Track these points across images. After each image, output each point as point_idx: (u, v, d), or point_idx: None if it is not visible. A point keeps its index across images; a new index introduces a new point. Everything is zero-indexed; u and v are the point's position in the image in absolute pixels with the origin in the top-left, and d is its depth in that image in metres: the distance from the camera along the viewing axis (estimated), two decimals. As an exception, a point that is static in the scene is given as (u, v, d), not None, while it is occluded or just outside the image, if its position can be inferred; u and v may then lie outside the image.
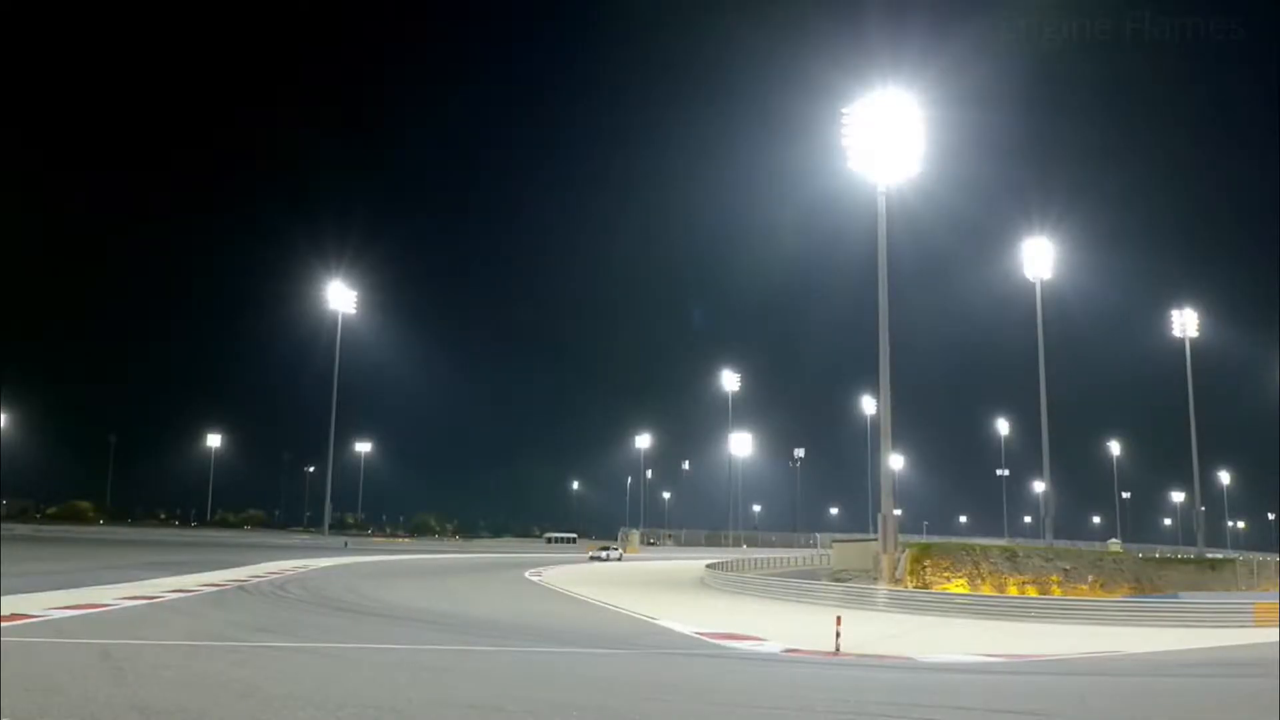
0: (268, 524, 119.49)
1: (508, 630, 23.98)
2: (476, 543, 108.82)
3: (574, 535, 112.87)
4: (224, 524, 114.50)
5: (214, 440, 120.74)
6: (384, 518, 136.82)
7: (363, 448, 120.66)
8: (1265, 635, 31.54)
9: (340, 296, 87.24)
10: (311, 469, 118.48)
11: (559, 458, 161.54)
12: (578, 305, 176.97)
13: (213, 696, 9.47)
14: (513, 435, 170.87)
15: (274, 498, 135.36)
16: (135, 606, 23.33)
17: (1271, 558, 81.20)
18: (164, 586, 29.97)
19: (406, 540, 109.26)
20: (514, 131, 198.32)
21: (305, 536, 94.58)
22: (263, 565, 43.65)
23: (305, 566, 45.56)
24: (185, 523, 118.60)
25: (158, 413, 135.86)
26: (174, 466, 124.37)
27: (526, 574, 52.38)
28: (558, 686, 13.64)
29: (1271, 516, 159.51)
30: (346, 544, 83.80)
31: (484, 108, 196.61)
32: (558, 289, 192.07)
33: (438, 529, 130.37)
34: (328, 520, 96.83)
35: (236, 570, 38.03)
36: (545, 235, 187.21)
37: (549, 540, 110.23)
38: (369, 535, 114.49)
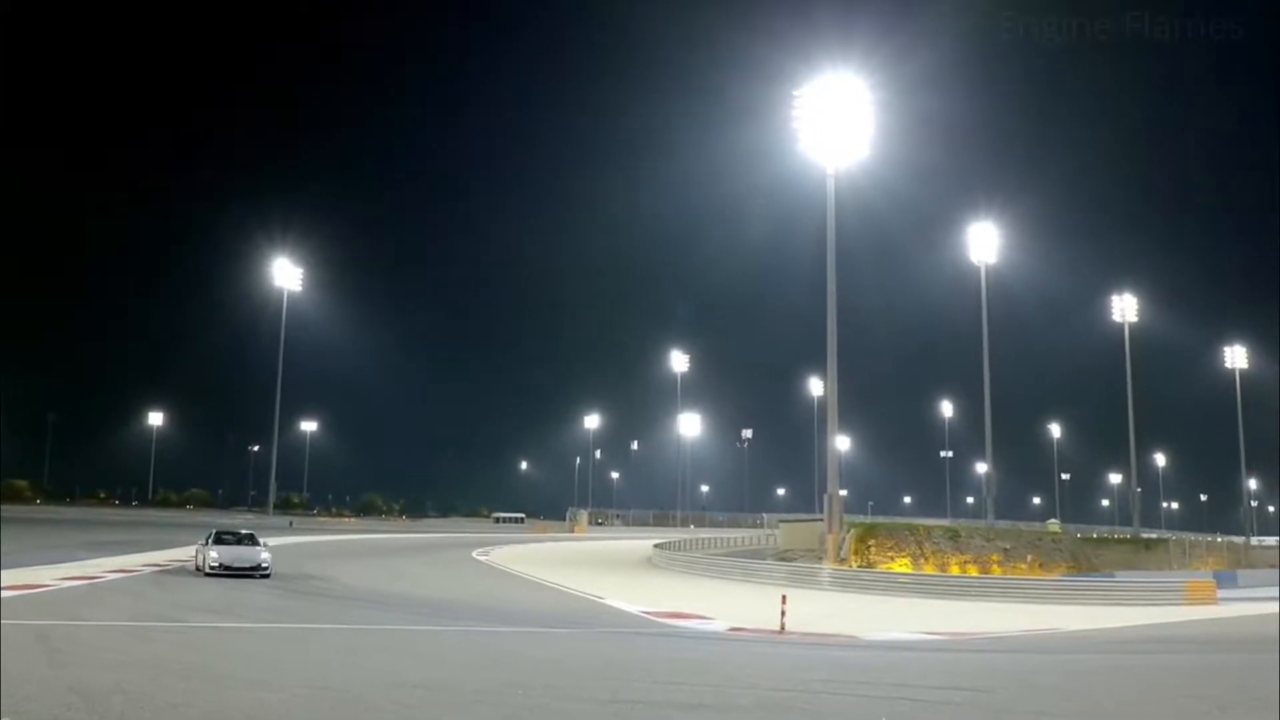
0: (211, 504, 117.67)
1: (455, 610, 23.94)
2: (423, 523, 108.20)
3: (522, 515, 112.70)
4: (166, 504, 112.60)
5: (156, 419, 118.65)
6: (330, 497, 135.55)
7: (309, 427, 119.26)
8: (1197, 612, 32.47)
9: (286, 274, 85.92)
10: (256, 448, 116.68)
11: (507, 438, 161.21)
12: (528, 287, 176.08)
13: (153, 678, 9.34)
14: (460, 415, 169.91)
15: (217, 477, 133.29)
16: (75, 587, 22.94)
17: (1203, 538, 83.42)
18: (105, 567, 29.49)
19: (352, 520, 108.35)
20: (467, 114, 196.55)
21: (249, 516, 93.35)
22: (206, 545, 43.05)
23: (249, 546, 44.98)
24: (126, 502, 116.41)
25: (98, 391, 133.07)
26: (115, 446, 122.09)
27: (474, 554, 52.27)
28: (504, 666, 13.66)
29: (1204, 498, 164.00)
30: (291, 524, 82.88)
31: (438, 89, 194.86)
32: (508, 270, 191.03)
33: (384, 509, 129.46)
34: (272, 500, 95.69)
35: (179, 550, 37.46)
36: (496, 217, 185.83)
37: (497, 520, 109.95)
38: (314, 515, 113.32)
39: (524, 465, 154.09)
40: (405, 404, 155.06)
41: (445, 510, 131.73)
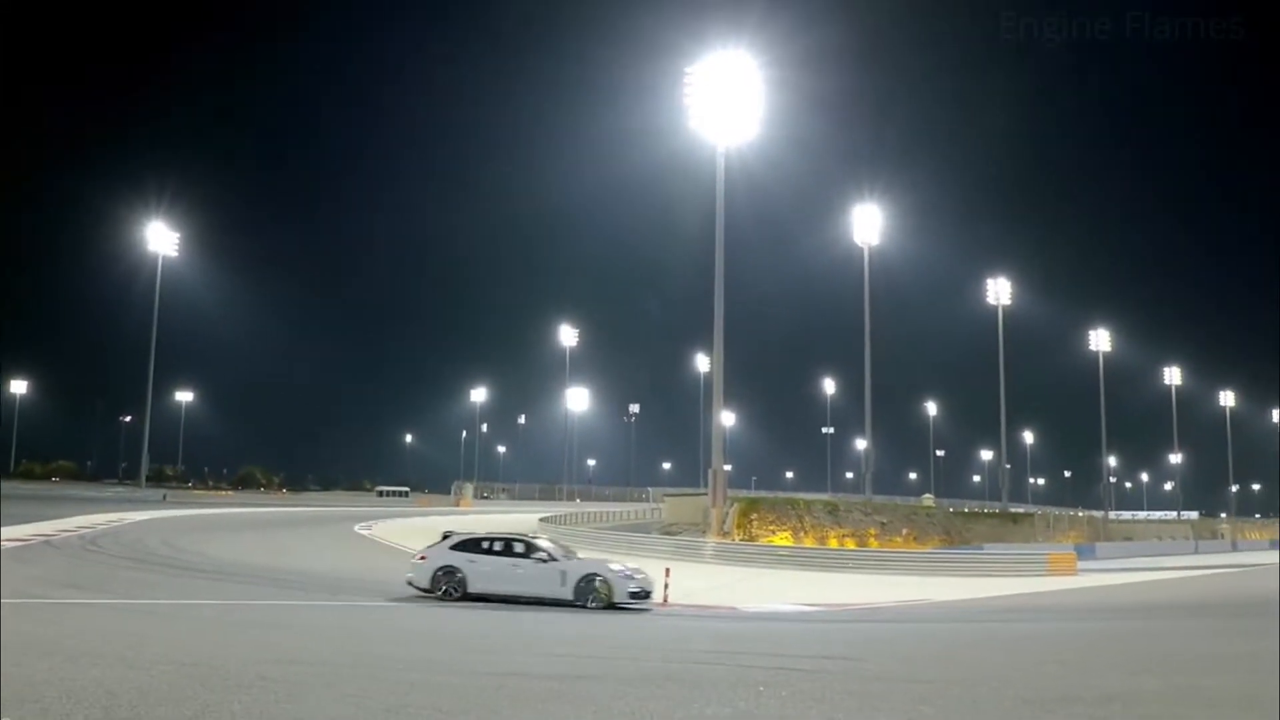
0: (78, 476, 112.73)
1: (334, 584, 23.56)
2: (305, 496, 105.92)
3: (406, 489, 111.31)
4: (29, 475, 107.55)
5: (18, 387, 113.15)
6: (206, 470, 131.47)
7: (184, 397, 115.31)
8: (1058, 583, 34.05)
9: (161, 238, 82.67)
10: (128, 418, 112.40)
11: (392, 411, 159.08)
12: (418, 260, 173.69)
13: (11, 656, 8.95)
14: (345, 387, 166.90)
15: (86, 448, 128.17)
16: (-74, 563, 21.79)
17: (1066, 512, 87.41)
18: (-41, 541, 28.08)
19: (230, 494, 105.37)
20: (354, 83, 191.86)
21: (120, 489, 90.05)
22: (72, 519, 41.38)
23: (120, 520, 43.45)
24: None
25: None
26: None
27: (356, 528, 51.47)
28: (384, 639, 13.52)
29: (1068, 474, 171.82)
30: (165, 497, 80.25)
31: (325, 55, 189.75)
32: (397, 242, 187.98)
33: (264, 482, 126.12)
34: (145, 472, 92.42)
35: (43, 524, 35.92)
36: (387, 187, 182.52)
37: (380, 494, 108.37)
38: (190, 488, 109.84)
39: (409, 438, 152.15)
40: (287, 374, 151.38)
41: (327, 484, 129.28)
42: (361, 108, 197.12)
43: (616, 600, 19.66)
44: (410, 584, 20.51)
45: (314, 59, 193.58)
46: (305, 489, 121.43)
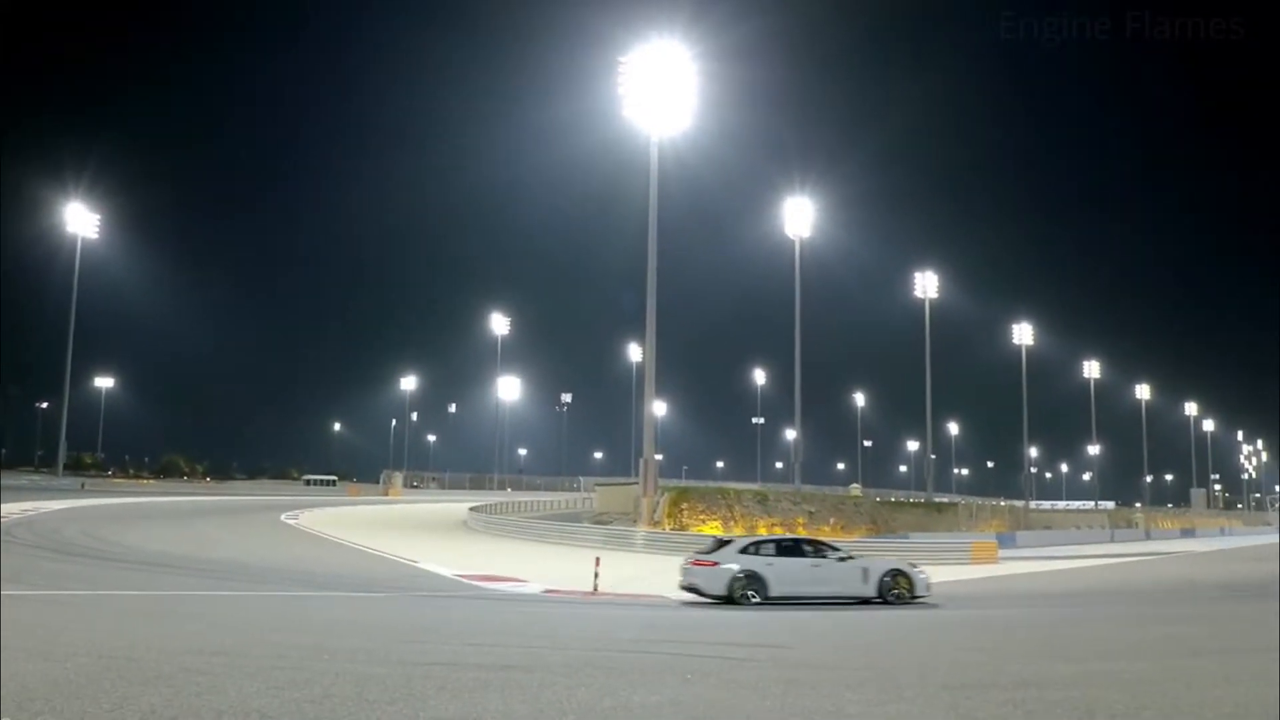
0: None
1: (260, 574, 23.21)
2: (230, 485, 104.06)
3: (334, 478, 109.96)
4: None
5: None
6: (127, 458, 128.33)
7: (104, 383, 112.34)
8: (980, 570, 34.82)
9: (80, 220, 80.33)
10: (45, 404, 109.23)
11: (320, 398, 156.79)
12: (349, 246, 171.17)
13: (-80, 649, 8.68)
14: (271, 374, 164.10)
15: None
16: None
17: (989, 501, 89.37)
18: None
19: (152, 482, 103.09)
20: (286, 68, 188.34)
21: (36, 477, 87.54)
22: (-16, 508, 40.16)
23: (35, 509, 42.30)
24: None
25: None
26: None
27: (283, 517, 50.75)
28: (311, 630, 13.35)
29: (991, 464, 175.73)
30: (84, 485, 78.30)
31: (255, 42, 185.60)
32: (329, 228, 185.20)
33: (187, 470, 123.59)
34: (62, 459, 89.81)
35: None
36: (320, 173, 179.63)
37: (308, 483, 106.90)
38: (109, 476, 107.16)
39: (338, 427, 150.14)
40: (212, 360, 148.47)
41: (253, 472, 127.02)
42: (294, 90, 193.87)
43: (917, 594, 20.32)
44: (693, 589, 20.11)
45: (244, 43, 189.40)
46: (230, 478, 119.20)
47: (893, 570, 20.64)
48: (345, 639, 12.21)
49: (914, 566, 21.24)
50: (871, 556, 22.47)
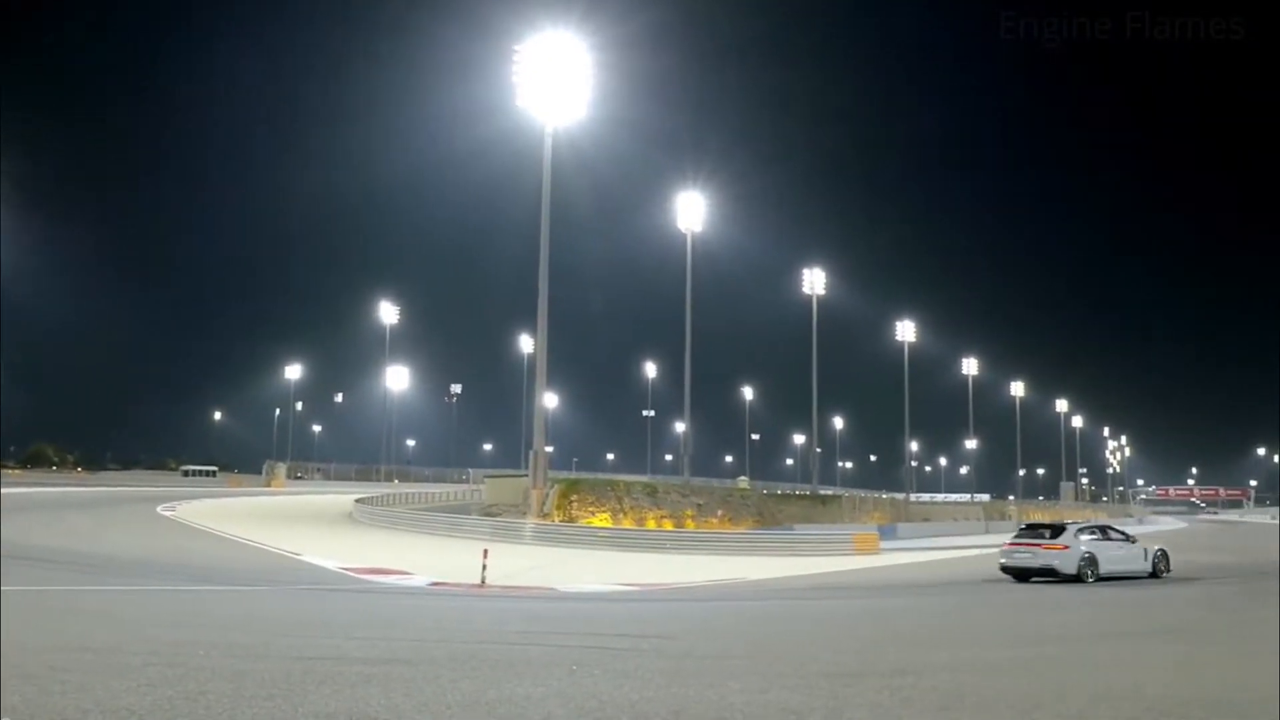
0: None
1: (135, 568, 22.41)
2: (103, 476, 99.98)
3: (214, 469, 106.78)
4: None
5: None
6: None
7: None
8: (862, 561, 35.75)
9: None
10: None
11: (200, 387, 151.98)
12: (234, 231, 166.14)
13: None
14: (149, 359, 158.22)
15: None
16: None
17: (871, 494, 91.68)
18: None
19: (17, 473, 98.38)
20: (179, 46, 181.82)
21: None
22: None
23: (-114, 501, 40.02)
24: None
25: None
26: None
27: (159, 509, 49.06)
28: (186, 625, 12.95)
29: (874, 458, 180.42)
30: (-59, 476, 74.35)
31: (155, 19, 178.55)
32: (214, 213, 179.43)
33: (56, 460, 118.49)
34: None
35: None
36: (207, 157, 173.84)
37: (186, 474, 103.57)
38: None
39: (218, 416, 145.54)
40: (85, 344, 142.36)
41: (128, 463, 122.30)
42: (186, 70, 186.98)
43: (1171, 570, 23.71)
44: (1024, 571, 22.81)
45: (143, 19, 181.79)
46: (103, 468, 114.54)
47: (1160, 551, 23.79)
48: (222, 634, 11.88)
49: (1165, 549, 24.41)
50: (1142, 539, 25.78)
